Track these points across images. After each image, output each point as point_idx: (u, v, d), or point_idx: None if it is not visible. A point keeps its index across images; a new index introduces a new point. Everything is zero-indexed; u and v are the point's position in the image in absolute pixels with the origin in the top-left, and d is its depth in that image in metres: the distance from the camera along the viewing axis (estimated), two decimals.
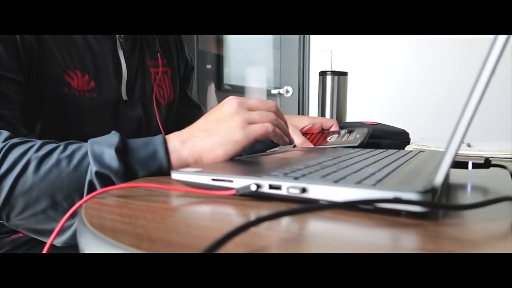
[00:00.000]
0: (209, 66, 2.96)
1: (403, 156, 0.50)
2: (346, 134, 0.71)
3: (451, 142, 0.26)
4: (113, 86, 0.67)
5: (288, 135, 0.52)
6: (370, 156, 0.49)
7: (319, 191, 0.29)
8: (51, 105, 0.60)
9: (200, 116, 0.89)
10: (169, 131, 0.82)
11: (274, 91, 2.16)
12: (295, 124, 0.73)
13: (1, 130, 0.47)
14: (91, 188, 0.44)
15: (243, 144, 0.47)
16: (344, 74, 0.90)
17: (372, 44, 1.91)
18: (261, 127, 0.48)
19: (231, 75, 3.20)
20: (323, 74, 0.90)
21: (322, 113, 0.89)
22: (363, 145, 0.65)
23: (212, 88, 2.96)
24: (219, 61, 3.04)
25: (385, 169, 0.37)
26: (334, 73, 0.89)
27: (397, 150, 0.59)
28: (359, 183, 0.29)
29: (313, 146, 0.68)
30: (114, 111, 0.68)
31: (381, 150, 0.59)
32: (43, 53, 0.57)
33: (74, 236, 0.46)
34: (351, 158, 0.47)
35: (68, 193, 0.43)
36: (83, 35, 0.64)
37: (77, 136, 0.63)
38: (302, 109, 2.05)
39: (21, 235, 0.65)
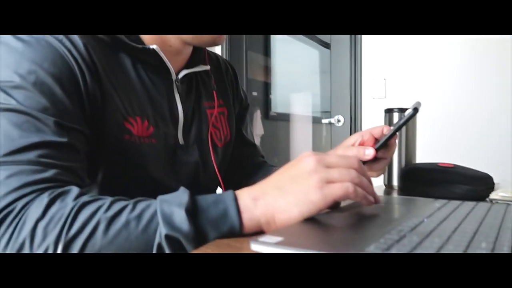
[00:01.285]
0: (255, 93, 2.97)
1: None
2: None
3: None
4: (170, 131, 0.66)
5: (372, 194, 0.47)
6: (467, 215, 0.43)
7: None
8: (112, 153, 0.59)
9: (255, 155, 0.88)
10: (225, 172, 0.80)
11: (325, 120, 2.11)
12: (343, 144, 0.67)
13: (71, 187, 0.46)
14: (160, 251, 0.41)
15: (320, 206, 0.43)
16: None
17: (432, 70, 1.82)
18: (341, 187, 0.44)
19: (277, 101, 3.19)
20: (389, 111, 0.84)
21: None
22: (417, 111, 0.58)
23: (258, 114, 2.96)
24: (266, 88, 3.05)
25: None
26: (401, 110, 0.83)
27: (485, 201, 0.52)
28: None
29: (372, 149, 0.60)
30: (171, 156, 0.66)
31: (471, 206, 0.53)
32: (105, 102, 0.57)
33: None
34: (447, 217, 0.41)
35: None
36: (140, 79, 0.63)
37: (137, 183, 0.62)
38: None
39: None
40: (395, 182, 0.84)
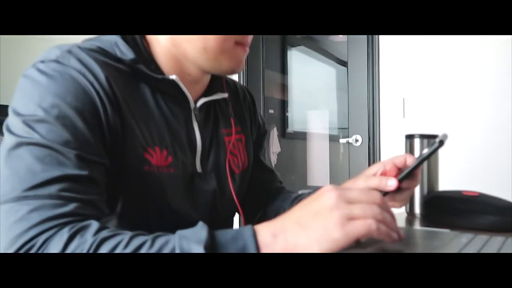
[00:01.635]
0: (271, 111, 2.98)
1: None
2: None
3: None
4: (188, 159, 0.66)
5: (395, 230, 0.46)
6: None
7: None
8: (132, 184, 0.59)
9: (273, 181, 0.87)
10: (243, 198, 0.80)
11: (342, 140, 2.09)
12: (365, 174, 0.65)
13: (91, 221, 0.46)
14: None
15: (341, 244, 0.42)
16: (434, 137, 0.82)
17: (453, 90, 1.79)
18: (363, 225, 0.43)
19: (294, 119, 3.20)
20: (410, 137, 0.83)
21: None
22: (443, 144, 0.55)
23: (274, 132, 2.96)
24: (283, 106, 3.06)
25: None
26: (422, 136, 0.81)
27: None
28: None
29: (395, 180, 0.58)
30: (189, 185, 0.66)
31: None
32: (125, 133, 0.57)
33: None
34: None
35: None
36: (160, 109, 0.63)
37: (155, 212, 0.62)
38: (373, 159, 1.94)
39: None
40: (417, 209, 0.81)
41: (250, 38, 0.66)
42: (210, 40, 0.62)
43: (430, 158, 0.81)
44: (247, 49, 0.67)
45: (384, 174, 0.61)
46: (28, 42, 1.80)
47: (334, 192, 0.45)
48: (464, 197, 0.72)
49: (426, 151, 0.57)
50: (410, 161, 0.61)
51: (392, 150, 1.89)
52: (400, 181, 0.59)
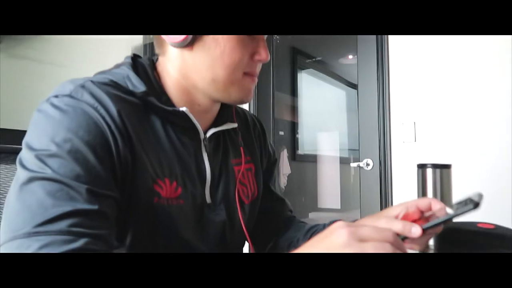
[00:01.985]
0: (282, 133, 2.99)
1: None
2: (454, 205, 0.58)
3: None
4: (197, 190, 0.66)
5: None
6: None
7: None
8: (141, 216, 0.59)
9: (284, 210, 0.86)
10: (253, 228, 0.79)
11: (353, 164, 2.07)
12: (386, 215, 0.63)
13: None
14: None
15: None
16: (447, 167, 0.80)
17: (465, 115, 1.77)
18: None
19: (304, 140, 3.19)
20: (422, 167, 0.82)
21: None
22: (478, 206, 0.53)
23: (284, 154, 2.96)
24: (293, 127, 3.06)
25: None
26: (435, 166, 0.80)
27: None
28: None
29: (420, 228, 0.56)
30: (198, 216, 0.66)
31: None
32: (136, 165, 0.58)
33: None
34: None
35: None
36: (170, 140, 0.64)
37: (165, 244, 0.62)
38: (384, 184, 1.92)
39: None
40: (430, 241, 0.79)
41: (258, 68, 0.67)
42: (219, 72, 0.63)
43: (443, 186, 0.80)
44: (256, 79, 0.68)
45: (406, 216, 0.59)
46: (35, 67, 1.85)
47: (346, 229, 0.44)
48: (479, 229, 0.70)
49: (458, 209, 0.54)
50: (436, 207, 0.58)
51: (404, 175, 1.86)
52: (424, 230, 0.56)
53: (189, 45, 0.63)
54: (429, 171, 0.80)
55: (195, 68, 0.64)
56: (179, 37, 0.61)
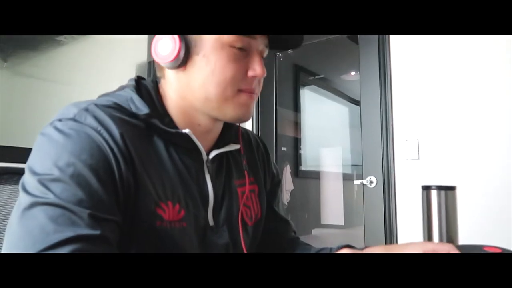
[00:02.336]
0: (284, 149, 2.98)
1: None
2: None
3: None
4: (200, 213, 0.66)
5: None
6: None
7: None
8: (143, 240, 0.59)
9: (288, 231, 0.86)
10: (257, 249, 0.78)
11: (356, 182, 2.06)
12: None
13: None
14: None
15: None
16: (452, 188, 0.80)
17: (469, 132, 1.77)
18: None
19: (307, 156, 3.19)
20: (426, 188, 0.81)
21: (429, 235, 0.78)
22: None
23: (287, 169, 2.95)
24: (296, 143, 3.06)
25: None
26: (439, 188, 0.79)
27: None
28: None
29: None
30: (201, 239, 0.65)
31: None
32: (138, 189, 0.57)
33: None
34: None
35: None
36: (173, 161, 0.63)
37: None
38: (388, 202, 1.90)
39: None
40: None
41: (256, 84, 0.66)
42: (211, 89, 0.63)
43: (448, 208, 0.79)
44: (254, 96, 0.66)
45: None
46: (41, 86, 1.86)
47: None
48: (485, 253, 0.68)
49: None
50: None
51: (408, 193, 1.85)
52: None
53: (182, 65, 0.63)
54: (434, 193, 0.80)
55: (189, 88, 0.64)
56: (170, 57, 0.62)
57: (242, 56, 0.63)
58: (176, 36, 0.62)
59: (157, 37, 0.64)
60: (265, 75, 0.66)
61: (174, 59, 0.62)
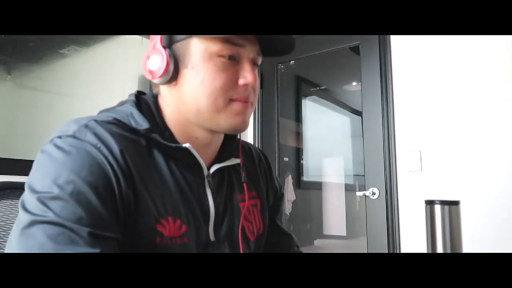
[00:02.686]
0: (286, 159, 2.97)
1: None
2: None
3: None
4: (201, 228, 0.65)
5: None
6: None
7: None
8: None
9: (291, 245, 0.85)
10: None
11: (359, 193, 2.05)
12: None
13: None
14: None
15: None
16: (455, 203, 0.79)
17: (473, 143, 1.76)
18: None
19: (309, 166, 3.18)
20: (430, 203, 0.80)
21: (433, 250, 0.77)
22: None
23: (289, 180, 2.94)
24: (297, 153, 3.05)
25: None
26: (443, 202, 0.78)
27: None
28: None
29: None
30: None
31: None
32: (138, 205, 0.57)
33: None
34: None
35: None
36: (173, 176, 0.63)
37: None
38: (391, 213, 1.89)
39: None
40: None
41: (250, 92, 0.65)
42: (201, 101, 0.62)
43: (452, 223, 0.78)
44: (248, 105, 0.65)
45: None
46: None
47: None
48: None
49: None
50: None
51: (411, 204, 1.84)
52: None
53: (172, 80, 0.63)
54: (438, 208, 0.79)
55: (181, 102, 0.64)
56: (159, 72, 0.62)
57: (231, 65, 0.63)
58: (163, 51, 0.62)
59: (146, 54, 0.64)
60: (257, 82, 0.65)
61: (163, 74, 0.62)
